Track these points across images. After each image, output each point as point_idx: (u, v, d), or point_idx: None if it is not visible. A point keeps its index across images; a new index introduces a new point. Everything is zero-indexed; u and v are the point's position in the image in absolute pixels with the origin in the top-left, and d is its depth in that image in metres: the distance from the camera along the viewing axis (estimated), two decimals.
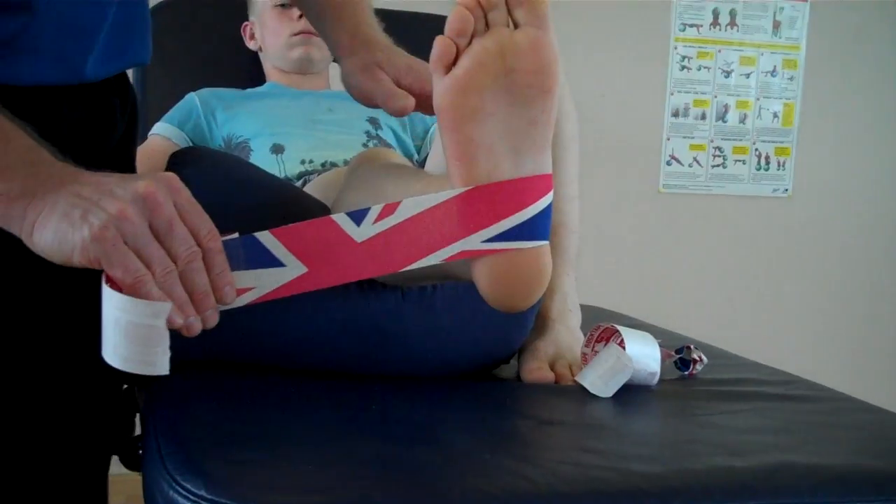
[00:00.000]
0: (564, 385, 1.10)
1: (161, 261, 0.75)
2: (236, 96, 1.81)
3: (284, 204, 1.04)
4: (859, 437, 0.94)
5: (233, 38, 1.94)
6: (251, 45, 1.95)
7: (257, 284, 0.82)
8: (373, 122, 1.81)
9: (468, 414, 0.97)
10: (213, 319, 0.79)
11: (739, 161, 2.93)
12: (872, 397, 1.12)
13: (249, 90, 1.86)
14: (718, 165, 2.92)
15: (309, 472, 0.77)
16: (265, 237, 0.83)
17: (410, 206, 0.82)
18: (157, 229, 0.75)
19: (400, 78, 1.02)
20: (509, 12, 0.78)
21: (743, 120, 2.92)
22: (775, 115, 2.94)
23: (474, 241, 0.80)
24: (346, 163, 1.63)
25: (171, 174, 0.79)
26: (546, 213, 0.81)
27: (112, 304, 0.74)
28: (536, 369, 1.11)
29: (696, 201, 2.91)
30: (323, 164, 1.64)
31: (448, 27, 0.78)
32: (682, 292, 2.91)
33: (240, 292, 0.82)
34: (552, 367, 1.12)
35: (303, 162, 1.64)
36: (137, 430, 1.13)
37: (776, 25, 2.91)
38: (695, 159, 2.90)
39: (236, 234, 0.82)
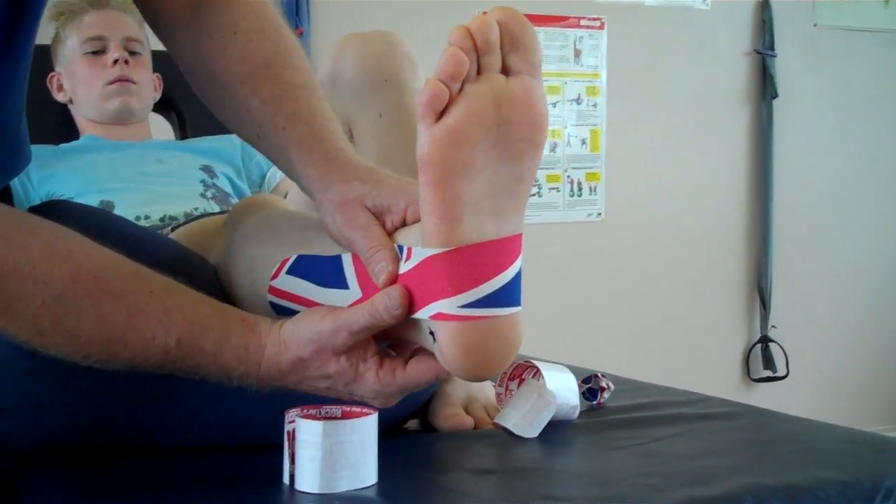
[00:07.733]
0: (485, 429, 1.04)
1: None
2: (50, 153, 1.66)
3: (171, 260, 0.93)
4: (800, 450, 0.93)
5: (36, 90, 1.77)
6: (59, 97, 1.79)
7: (323, 301, 0.83)
8: (207, 170, 1.70)
9: (400, 473, 0.89)
10: None
11: (554, 189, 2.98)
12: None
13: (64, 145, 1.71)
14: (534, 195, 2.95)
15: None
16: (347, 259, 0.83)
17: (418, 255, 0.75)
18: None
19: (387, 211, 0.82)
20: (503, 57, 0.72)
21: (554, 148, 2.97)
22: (583, 142, 3.02)
23: (450, 306, 0.72)
24: (186, 215, 1.52)
25: None
26: (520, 276, 0.75)
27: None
28: (453, 416, 1.05)
29: None
30: (161, 219, 1.52)
31: (440, 70, 0.70)
32: None
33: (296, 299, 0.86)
34: (467, 412, 1.06)
35: (137, 218, 1.51)
36: None
37: (577, 54, 2.99)
38: None
39: None
